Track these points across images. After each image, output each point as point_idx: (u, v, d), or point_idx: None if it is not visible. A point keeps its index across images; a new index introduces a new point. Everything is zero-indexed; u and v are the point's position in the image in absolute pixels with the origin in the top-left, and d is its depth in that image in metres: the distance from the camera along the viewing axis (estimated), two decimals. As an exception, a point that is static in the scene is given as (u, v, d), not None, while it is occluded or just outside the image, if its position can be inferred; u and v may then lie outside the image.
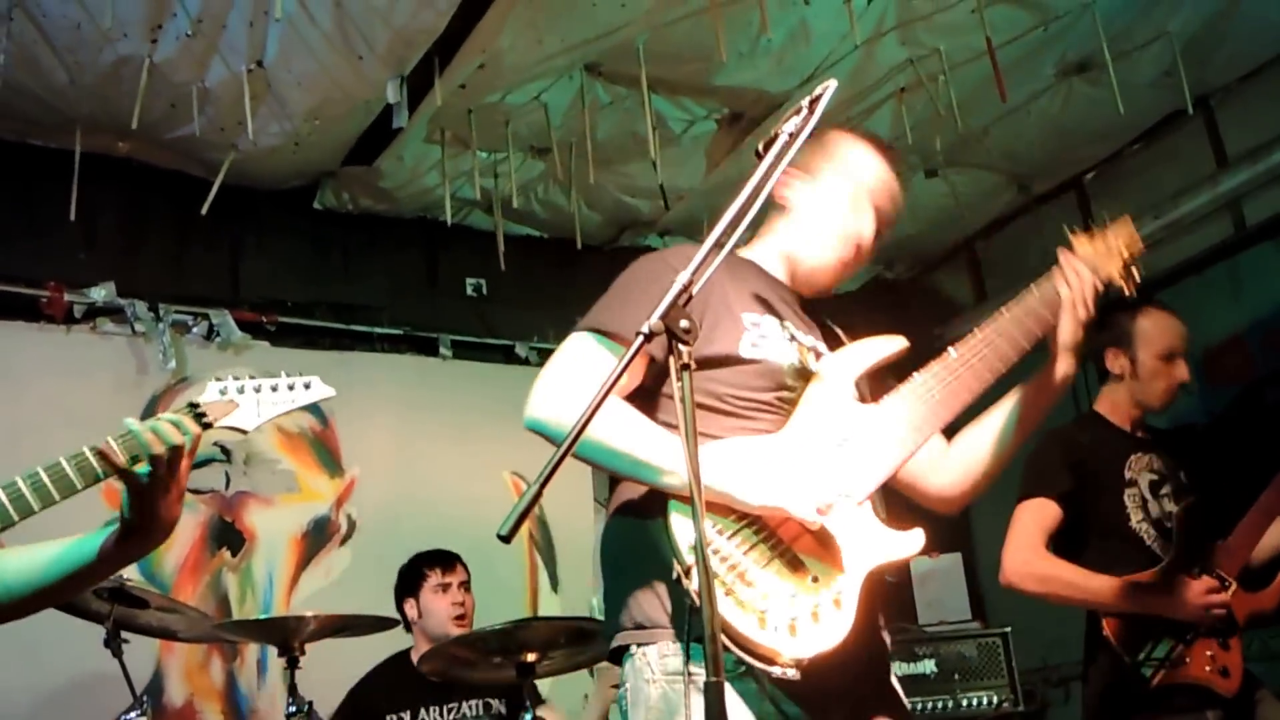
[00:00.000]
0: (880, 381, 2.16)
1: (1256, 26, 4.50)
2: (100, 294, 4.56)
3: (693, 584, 1.72)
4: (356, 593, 4.64)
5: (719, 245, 1.70)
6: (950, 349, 2.11)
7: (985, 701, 4.55)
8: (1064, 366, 2.15)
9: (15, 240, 4.49)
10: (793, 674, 1.76)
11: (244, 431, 2.13)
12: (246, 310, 4.85)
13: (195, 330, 4.73)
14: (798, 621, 1.80)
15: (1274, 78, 4.84)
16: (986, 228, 5.93)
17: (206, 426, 1.99)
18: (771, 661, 1.76)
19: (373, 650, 3.99)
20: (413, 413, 5.04)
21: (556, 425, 1.89)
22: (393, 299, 5.23)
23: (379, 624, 3.67)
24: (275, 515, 4.73)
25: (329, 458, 4.90)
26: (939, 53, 4.41)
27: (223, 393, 2.09)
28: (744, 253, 2.26)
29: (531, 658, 3.42)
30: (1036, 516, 3.18)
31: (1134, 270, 2.21)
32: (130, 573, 4.16)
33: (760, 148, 1.79)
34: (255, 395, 2.13)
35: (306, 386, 2.24)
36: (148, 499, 1.85)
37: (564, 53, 4.22)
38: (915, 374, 2.08)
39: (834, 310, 2.19)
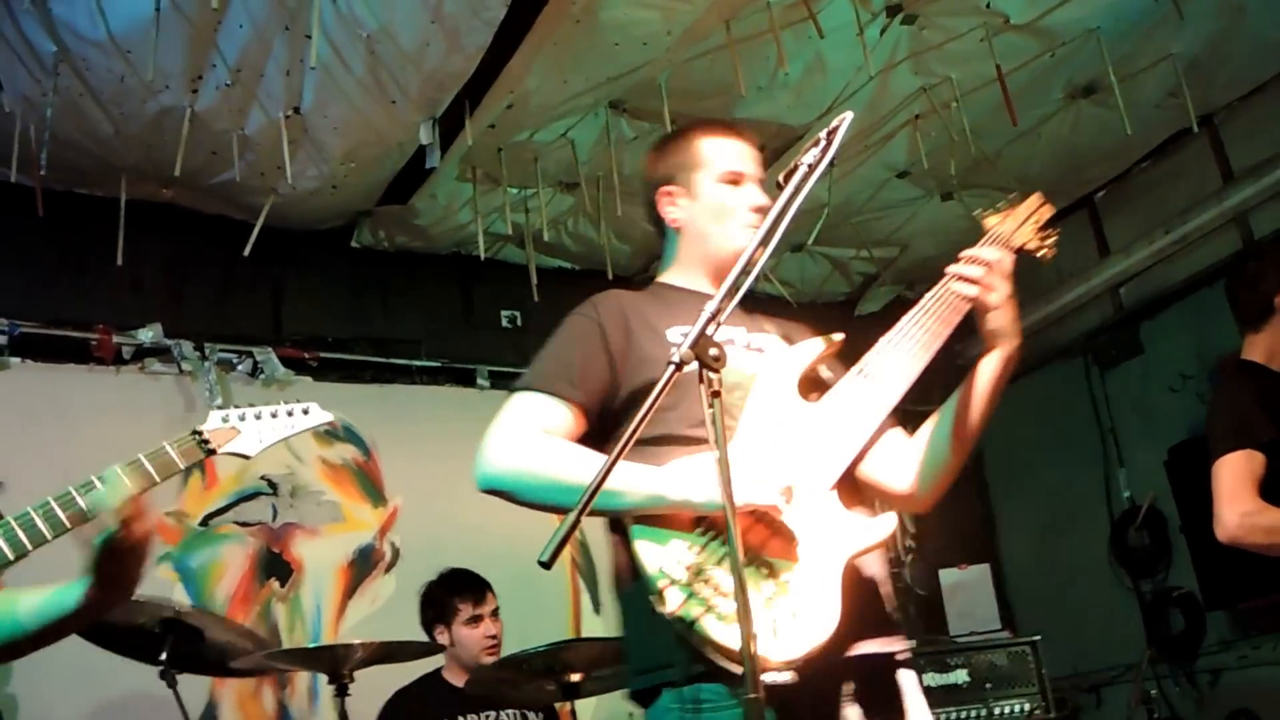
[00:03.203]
0: (826, 379, 2.16)
1: (1257, 46, 4.61)
2: (148, 335, 4.69)
3: (668, 607, 1.76)
4: (402, 619, 4.69)
5: (745, 272, 1.74)
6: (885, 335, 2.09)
7: (1018, 710, 4.59)
8: (1004, 346, 2.05)
9: (65, 286, 4.63)
10: (787, 677, 1.73)
11: (246, 456, 2.21)
12: (289, 347, 4.97)
13: (240, 368, 4.87)
14: (778, 625, 1.77)
15: (1276, 95, 4.95)
16: (1003, 247, 6.02)
17: (210, 453, 2.11)
18: (764, 669, 1.69)
19: (419, 674, 4.07)
20: (452, 442, 5.01)
21: (512, 475, 1.97)
22: (430, 333, 5.35)
23: (425, 649, 3.73)
24: (321, 545, 4.83)
25: (372, 488, 5.01)
26: (950, 81, 4.53)
27: (225, 420, 2.19)
28: (664, 280, 2.31)
29: (576, 678, 3.48)
30: (1246, 468, 2.99)
31: (1048, 235, 2.19)
32: (183, 604, 4.34)
33: (780, 179, 1.85)
34: (256, 422, 2.23)
35: (305, 412, 2.32)
36: (112, 555, 1.91)
37: (589, 91, 4.35)
38: (853, 366, 2.08)
39: (857, 332, 2.19)
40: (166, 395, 4.72)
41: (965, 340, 2.13)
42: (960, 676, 4.71)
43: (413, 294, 5.40)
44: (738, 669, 1.69)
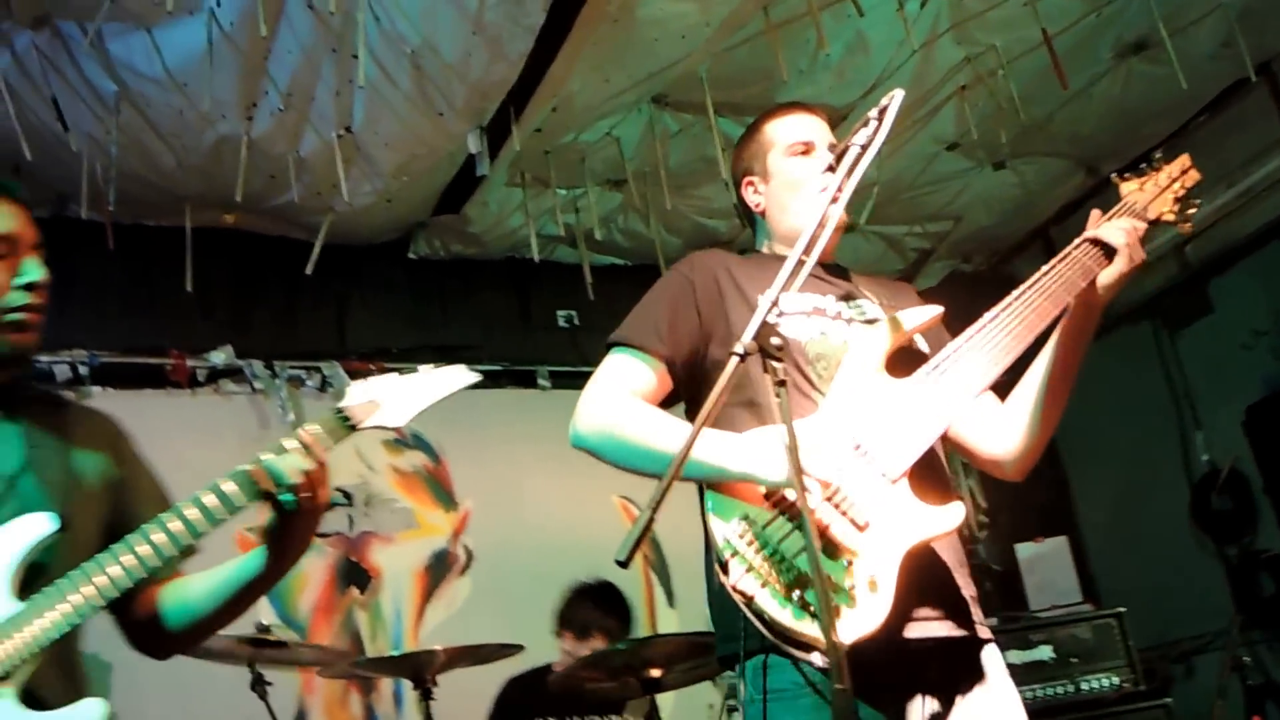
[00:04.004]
0: (924, 351, 2.14)
1: (1312, -13, 4.50)
2: (220, 357, 4.83)
3: (729, 579, 1.76)
4: (479, 621, 4.83)
5: (802, 259, 1.76)
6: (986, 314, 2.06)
7: (1106, 684, 4.49)
8: (1094, 309, 2.09)
9: (139, 314, 4.78)
10: (825, 661, 1.67)
11: (393, 429, 2.07)
12: (355, 360, 5.08)
13: (310, 383, 4.99)
14: (837, 603, 1.75)
15: (1337, 35, 4.82)
16: (1059, 213, 5.95)
17: (352, 429, 1.97)
18: (811, 649, 1.72)
19: (501, 675, 4.13)
20: (518, 443, 5.21)
21: (598, 437, 2.02)
22: (490, 337, 5.44)
23: (503, 651, 3.76)
24: (397, 552, 4.93)
25: (443, 493, 5.11)
26: (995, 49, 4.47)
27: (364, 393, 2.03)
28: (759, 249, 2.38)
29: (656, 673, 3.51)
30: None
31: (1188, 206, 2.16)
32: (268, 616, 4.46)
33: (833, 161, 1.88)
34: (399, 390, 2.05)
35: (449, 374, 2.15)
36: (290, 522, 1.91)
37: (631, 88, 4.38)
38: (950, 343, 2.04)
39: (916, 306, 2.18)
40: (241, 414, 4.86)
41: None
42: (1044, 653, 4.62)
43: (471, 300, 5.49)
44: (787, 648, 1.74)
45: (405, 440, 5.05)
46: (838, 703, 1.46)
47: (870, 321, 2.17)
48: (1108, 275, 2.07)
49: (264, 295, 5.09)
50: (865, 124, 1.84)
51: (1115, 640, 4.61)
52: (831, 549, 1.82)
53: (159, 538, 1.84)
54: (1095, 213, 2.16)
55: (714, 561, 1.82)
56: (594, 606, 4.12)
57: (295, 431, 1.92)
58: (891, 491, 1.89)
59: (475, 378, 2.17)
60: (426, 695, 3.54)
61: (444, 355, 5.29)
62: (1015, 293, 2.07)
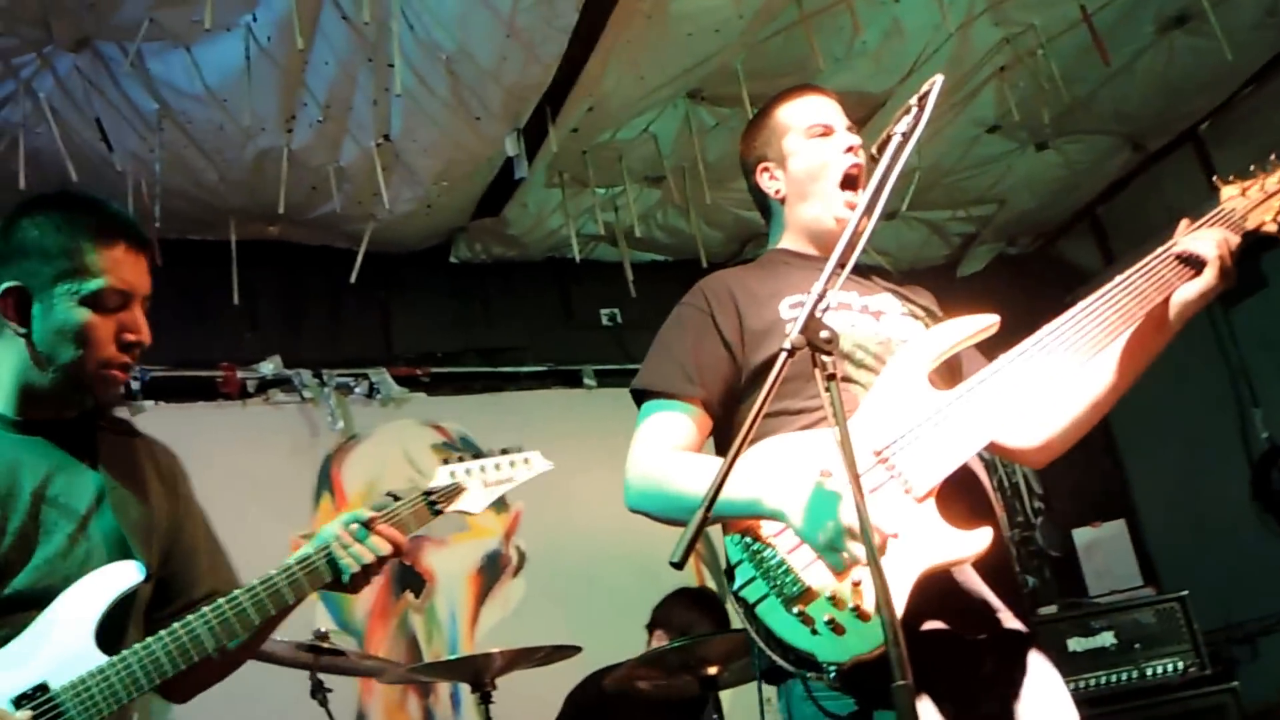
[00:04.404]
0: (973, 361, 2.07)
1: (1359, -50, 4.40)
2: (269, 368, 4.89)
3: (732, 587, 1.75)
4: (534, 621, 4.84)
5: (849, 248, 1.72)
6: (1046, 326, 1.93)
7: (1171, 669, 4.42)
8: (1167, 329, 1.97)
9: (188, 328, 4.81)
10: (830, 677, 1.68)
11: (471, 514, 2.20)
12: (401, 366, 5.13)
13: (358, 390, 5.03)
14: (840, 621, 1.70)
15: (1386, -2, 4.71)
16: (1106, 191, 5.87)
17: (438, 513, 2.11)
18: (808, 665, 1.69)
19: (558, 675, 4.08)
20: (565, 442, 5.08)
21: (648, 501, 1.98)
22: (534, 338, 5.46)
23: (561, 653, 3.73)
24: (450, 554, 4.96)
25: (493, 495, 5.13)
26: (1033, 28, 4.42)
27: (452, 475, 2.17)
28: (776, 248, 2.30)
29: (713, 671, 3.50)
30: None
31: None
32: (326, 622, 4.50)
33: (874, 151, 1.83)
34: (481, 475, 2.21)
35: (526, 461, 2.30)
36: (337, 585, 2.01)
37: (666, 84, 4.37)
38: (1001, 356, 1.93)
39: (960, 292, 2.12)
40: (291, 423, 4.91)
41: (1074, 292, 2.02)
42: (1106, 639, 4.53)
43: (513, 302, 5.52)
44: (782, 662, 1.70)
45: (454, 443, 5.08)
46: (899, 698, 1.42)
47: (913, 317, 2.14)
48: (1189, 290, 1.93)
49: (310, 305, 5.15)
50: (906, 112, 1.80)
51: (1179, 624, 4.54)
52: None
53: (239, 612, 1.90)
54: (1184, 222, 2.01)
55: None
56: (694, 608, 4.11)
57: (388, 517, 2.02)
58: (914, 510, 1.79)
59: (549, 466, 2.30)
60: (485, 699, 3.54)
61: (489, 357, 5.34)
62: (1082, 304, 1.94)
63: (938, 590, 1.80)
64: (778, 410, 1.98)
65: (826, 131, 2.24)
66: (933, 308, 2.25)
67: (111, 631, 1.85)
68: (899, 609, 1.70)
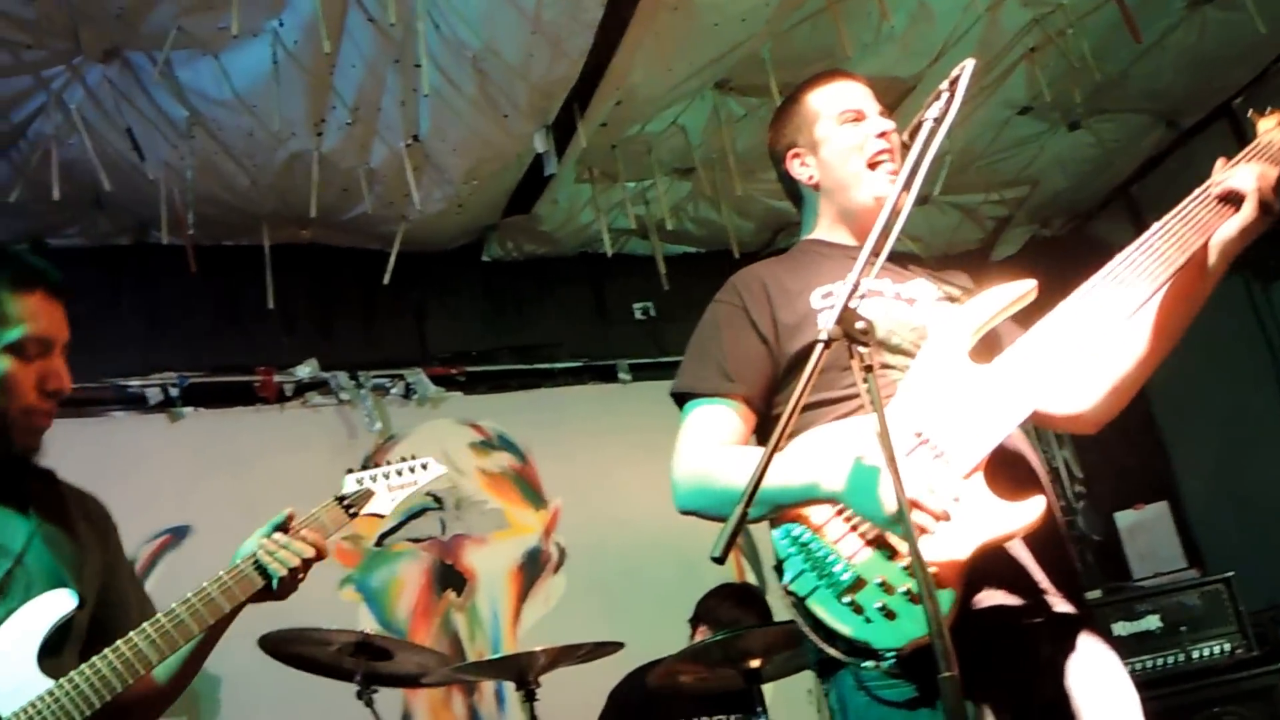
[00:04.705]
0: (1012, 333, 2.02)
1: (1395, -84, 4.32)
2: (305, 371, 4.92)
3: (783, 580, 1.73)
4: (576, 617, 4.85)
5: (884, 234, 1.71)
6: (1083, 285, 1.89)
7: (1218, 651, 4.36)
8: (1212, 271, 1.90)
9: (225, 334, 4.89)
10: (888, 665, 1.66)
11: (382, 516, 2.37)
12: (437, 366, 5.15)
13: (394, 391, 5.06)
14: (891, 609, 1.68)
15: None
16: (1139, 170, 5.80)
17: (353, 515, 2.27)
18: (864, 654, 1.68)
19: (601, 671, 4.08)
20: (602, 437, 5.23)
21: (695, 499, 1.98)
22: (568, 334, 5.47)
23: (604, 649, 3.72)
24: (491, 552, 4.98)
25: (532, 491, 5.14)
26: (1062, 7, 4.36)
27: (359, 482, 2.34)
28: (808, 238, 2.28)
29: (756, 664, 3.49)
30: None
31: None
32: (369, 623, 4.54)
33: (906, 137, 1.82)
34: (385, 481, 2.38)
35: (424, 467, 2.49)
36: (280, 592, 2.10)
37: (693, 76, 4.35)
38: (1040, 321, 1.89)
39: (994, 275, 2.07)
40: (329, 426, 4.94)
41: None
42: (1151, 623, 4.48)
43: (547, 299, 5.52)
44: (832, 652, 1.69)
45: (492, 441, 5.10)
46: (945, 689, 1.42)
47: (950, 299, 2.11)
48: (1230, 228, 1.86)
49: (344, 307, 5.17)
50: (937, 97, 1.78)
51: (1225, 606, 4.47)
52: (890, 551, 1.75)
53: (176, 624, 1.96)
54: (1221, 161, 1.95)
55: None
56: (737, 604, 4.08)
57: (308, 522, 2.15)
58: (962, 488, 1.77)
59: (443, 469, 2.54)
60: (530, 696, 3.55)
61: (524, 355, 5.35)
62: (1118, 258, 1.88)
63: (993, 569, 1.78)
64: (816, 401, 1.96)
65: (858, 116, 2.22)
66: (970, 287, 2.21)
67: (51, 659, 1.88)
68: (956, 588, 1.69)
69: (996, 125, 5.13)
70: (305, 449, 4.77)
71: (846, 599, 1.70)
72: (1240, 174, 1.87)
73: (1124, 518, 5.26)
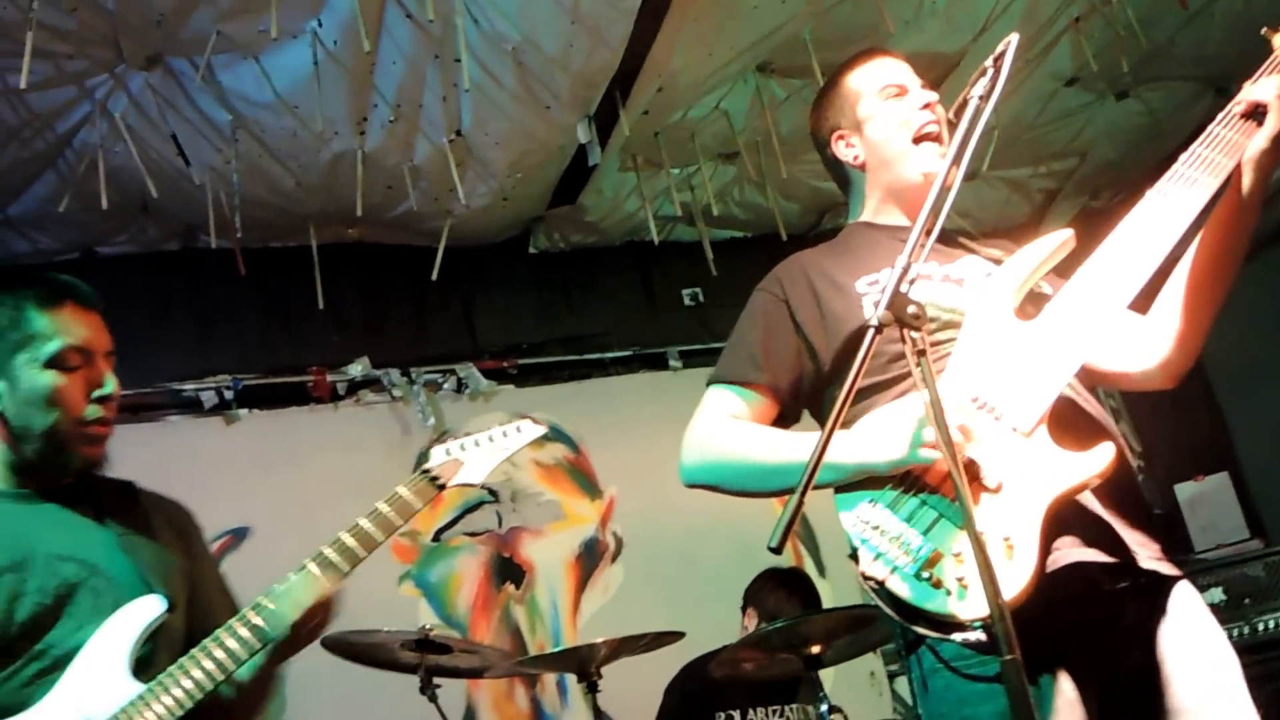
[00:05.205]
0: (1047, 292, 1.99)
1: None
2: (357, 370, 4.96)
3: (859, 566, 1.71)
4: (634, 606, 4.85)
5: (932, 217, 1.67)
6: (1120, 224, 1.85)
7: (1284, 622, 4.32)
8: (1250, 190, 1.86)
9: (276, 336, 4.93)
10: (976, 636, 1.61)
11: (474, 485, 2.31)
12: (487, 359, 5.17)
13: (446, 386, 5.08)
14: (969, 580, 1.63)
15: None
16: (1190, 138, 5.67)
17: (441, 488, 2.21)
18: (951, 628, 1.64)
19: (662, 661, 4.05)
20: (655, 425, 5.10)
21: (704, 468, 1.99)
22: (617, 323, 5.47)
23: (664, 639, 3.71)
24: (548, 544, 4.99)
25: (586, 482, 5.15)
26: (1108, -26, 4.31)
27: (448, 453, 2.28)
28: (857, 221, 2.25)
29: (816, 649, 3.47)
30: None
31: None
32: (429, 618, 4.57)
33: (952, 115, 1.79)
34: (476, 450, 2.32)
35: (519, 430, 2.43)
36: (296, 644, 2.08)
37: (735, 59, 4.33)
38: (1081, 267, 1.87)
39: None
40: (383, 423, 4.97)
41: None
42: (1215, 596, 4.41)
43: (595, 288, 5.52)
44: (921, 630, 1.67)
45: (545, 434, 5.10)
46: (1007, 672, 1.39)
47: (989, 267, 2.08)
48: (1259, 141, 1.82)
49: (393, 304, 5.20)
50: (982, 74, 1.75)
51: (1291, 577, 4.41)
52: (959, 521, 1.69)
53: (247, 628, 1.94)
54: (1246, 85, 1.90)
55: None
56: (780, 587, 4.06)
57: (391, 500, 2.12)
58: (1026, 445, 1.74)
59: (542, 430, 2.46)
60: (592, 688, 3.55)
61: (573, 345, 5.36)
62: (1149, 195, 1.87)
63: (1071, 525, 1.76)
64: (869, 385, 1.95)
65: (901, 91, 2.20)
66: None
67: (146, 665, 1.90)
68: (1034, 549, 1.65)
69: (1043, 97, 5.05)
70: (360, 447, 4.80)
71: (925, 574, 1.67)
72: (1261, 86, 1.85)
73: (1184, 489, 5.19)
